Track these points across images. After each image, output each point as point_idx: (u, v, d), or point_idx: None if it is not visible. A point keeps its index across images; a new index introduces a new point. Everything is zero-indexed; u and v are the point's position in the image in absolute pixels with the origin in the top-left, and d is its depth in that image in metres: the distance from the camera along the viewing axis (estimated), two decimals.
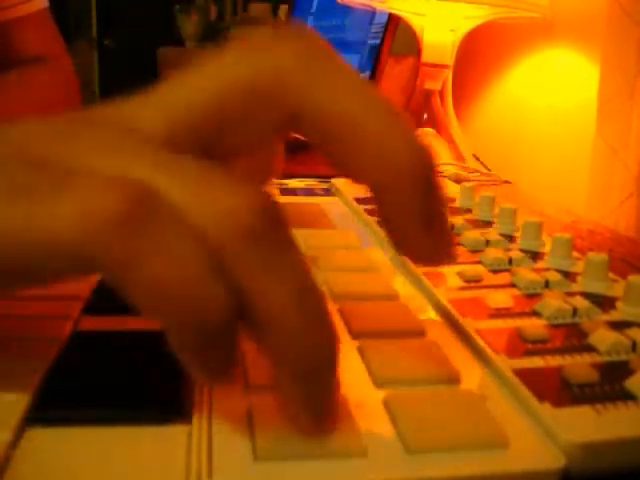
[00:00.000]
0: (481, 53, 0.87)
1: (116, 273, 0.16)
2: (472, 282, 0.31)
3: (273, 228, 0.18)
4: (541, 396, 0.21)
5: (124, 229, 0.16)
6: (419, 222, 0.20)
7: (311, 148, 0.20)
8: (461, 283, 0.31)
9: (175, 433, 0.20)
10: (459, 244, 0.37)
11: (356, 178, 0.20)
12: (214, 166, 0.18)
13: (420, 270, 0.32)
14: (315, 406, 0.19)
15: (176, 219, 0.17)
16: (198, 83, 0.19)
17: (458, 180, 0.55)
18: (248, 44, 0.20)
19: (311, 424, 0.19)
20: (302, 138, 0.20)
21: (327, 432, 0.19)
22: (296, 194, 0.52)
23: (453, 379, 0.23)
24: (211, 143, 0.20)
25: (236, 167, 0.21)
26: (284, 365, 0.18)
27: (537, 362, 0.23)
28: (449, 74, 0.75)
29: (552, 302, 0.27)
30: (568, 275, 0.32)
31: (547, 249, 0.35)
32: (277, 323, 0.18)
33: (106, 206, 0.16)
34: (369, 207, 0.44)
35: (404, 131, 0.19)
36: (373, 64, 0.82)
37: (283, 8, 1.76)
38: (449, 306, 0.28)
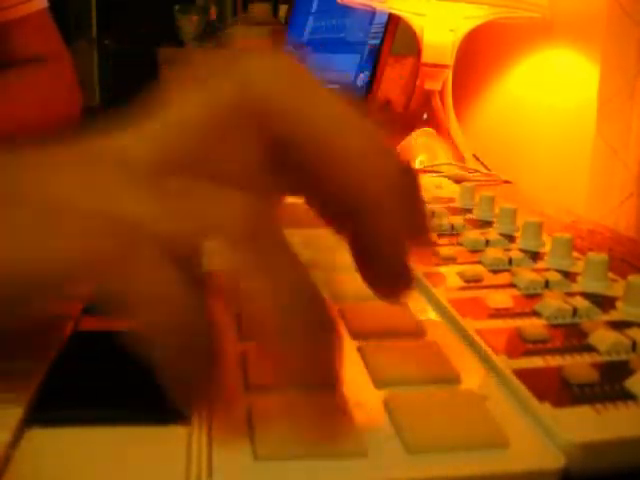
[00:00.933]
0: (481, 53, 0.87)
1: (103, 300, 0.18)
2: (472, 282, 0.31)
3: (263, 232, 0.18)
4: (541, 396, 0.21)
5: (116, 266, 0.18)
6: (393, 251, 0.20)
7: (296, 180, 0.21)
8: (461, 283, 0.31)
9: (175, 433, 0.20)
10: (459, 244, 0.37)
11: (335, 206, 0.21)
12: (200, 182, 0.19)
13: (420, 270, 0.32)
14: (321, 408, 0.19)
15: (158, 255, 0.18)
16: (184, 112, 0.20)
17: (458, 180, 0.55)
18: (230, 70, 0.20)
19: (315, 427, 0.19)
20: None
21: (330, 435, 0.19)
22: None
23: (453, 379, 0.23)
24: (202, 169, 0.20)
25: None
26: (287, 369, 0.18)
27: (537, 362, 0.23)
28: (449, 74, 0.75)
29: (552, 302, 0.27)
30: (568, 275, 0.32)
31: (547, 249, 0.35)
32: (274, 326, 0.18)
33: (102, 246, 0.18)
34: None
35: (385, 151, 0.20)
36: (373, 64, 0.82)
37: (283, 8, 1.76)
38: (449, 306, 0.28)
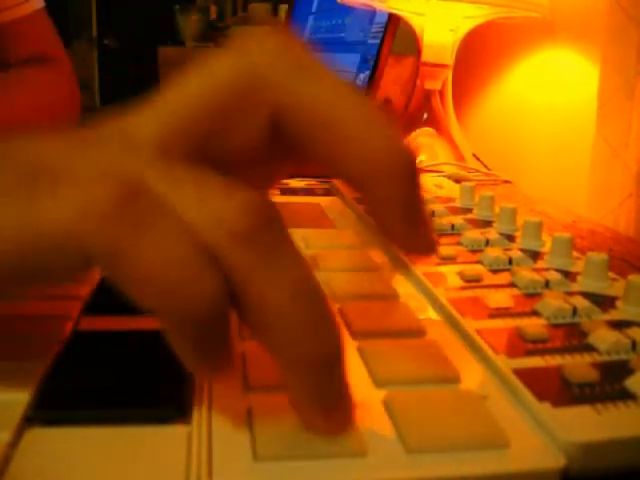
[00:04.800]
0: (481, 53, 0.87)
1: (108, 262, 0.17)
2: (472, 282, 0.31)
3: (268, 228, 0.18)
4: (541, 396, 0.21)
5: (115, 218, 0.16)
6: (400, 214, 0.20)
7: (298, 154, 0.21)
8: (461, 283, 0.31)
9: (175, 433, 0.20)
10: (459, 244, 0.37)
11: (340, 175, 0.20)
12: (206, 170, 0.18)
13: (420, 270, 0.32)
14: (324, 403, 0.19)
15: (166, 211, 0.17)
16: (186, 89, 0.20)
17: (458, 180, 0.55)
18: (228, 47, 0.20)
19: (322, 422, 0.19)
20: None
21: (338, 430, 0.19)
22: (296, 194, 0.52)
23: (453, 379, 0.23)
24: (207, 148, 0.20)
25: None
26: (289, 363, 0.18)
27: (537, 362, 0.23)
28: (449, 74, 0.75)
29: (552, 302, 0.27)
30: (568, 275, 0.32)
31: (547, 249, 0.35)
32: (276, 321, 0.18)
33: (100, 196, 0.17)
34: None
35: (385, 127, 0.20)
36: (373, 64, 0.82)
37: (283, 8, 1.76)
38: (449, 306, 0.28)
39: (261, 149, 0.21)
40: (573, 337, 0.25)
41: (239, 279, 0.17)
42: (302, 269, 0.18)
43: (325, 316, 0.18)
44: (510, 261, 0.33)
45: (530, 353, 0.24)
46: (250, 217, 0.17)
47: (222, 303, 0.17)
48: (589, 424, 0.20)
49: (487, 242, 0.37)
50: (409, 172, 0.20)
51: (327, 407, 0.19)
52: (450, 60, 0.74)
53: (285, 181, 0.55)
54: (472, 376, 0.23)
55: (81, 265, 0.17)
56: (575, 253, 0.34)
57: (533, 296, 0.29)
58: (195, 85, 0.20)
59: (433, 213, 0.43)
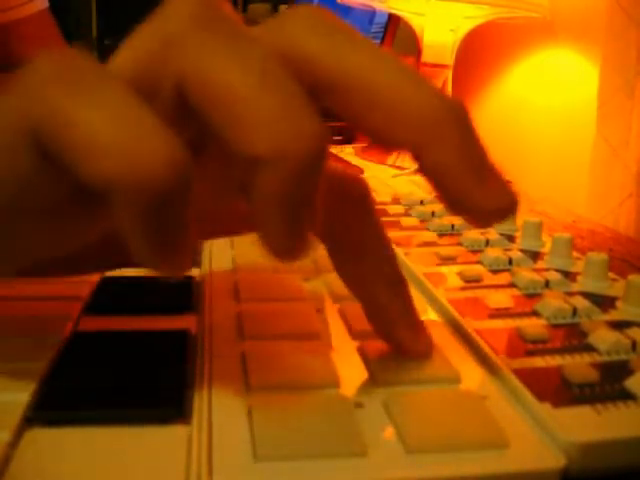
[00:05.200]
0: (481, 53, 0.87)
1: (49, 130, 0.15)
2: (472, 282, 0.31)
3: (222, 15, 0.17)
4: (541, 396, 0.21)
5: (54, 80, 0.15)
6: (466, 175, 0.18)
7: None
8: (461, 283, 0.31)
9: (175, 433, 0.20)
10: (459, 244, 0.37)
11: (393, 145, 0.18)
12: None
13: (420, 270, 0.32)
14: (297, 213, 0.16)
15: (105, 68, 0.16)
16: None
17: None
18: (266, 25, 0.19)
19: (285, 242, 0.17)
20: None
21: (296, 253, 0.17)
22: None
23: (453, 379, 0.23)
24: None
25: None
26: (264, 166, 0.15)
27: (537, 362, 0.23)
28: (449, 74, 0.75)
29: (552, 302, 0.27)
30: (568, 275, 0.32)
31: (547, 249, 0.35)
32: (247, 114, 0.15)
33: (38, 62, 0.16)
34: None
35: (420, 82, 0.17)
36: None
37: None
38: (449, 306, 0.28)
39: None
40: (573, 337, 0.25)
41: (201, 76, 0.16)
42: (266, 49, 0.16)
43: (304, 104, 0.16)
44: (510, 261, 0.33)
45: (530, 353, 0.24)
46: (199, 5, 0.16)
47: (180, 172, 0.15)
48: (589, 424, 0.20)
49: (487, 242, 0.37)
50: (458, 119, 0.18)
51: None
52: (450, 60, 0.74)
53: None
54: (472, 376, 0.23)
55: (31, 150, 0.16)
56: (575, 253, 0.35)
57: (533, 296, 0.29)
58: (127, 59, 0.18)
59: (433, 213, 0.43)
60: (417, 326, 0.24)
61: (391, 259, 0.23)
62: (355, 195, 0.22)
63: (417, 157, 0.18)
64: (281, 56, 0.17)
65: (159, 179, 0.15)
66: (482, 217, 0.19)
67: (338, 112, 0.18)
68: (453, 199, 0.18)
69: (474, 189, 0.18)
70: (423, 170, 0.18)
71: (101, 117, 0.15)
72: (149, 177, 0.15)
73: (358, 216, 0.22)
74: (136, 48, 0.17)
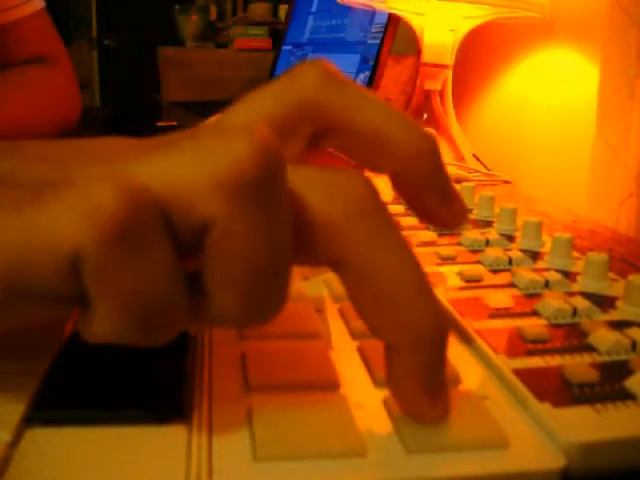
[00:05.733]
0: (481, 53, 0.87)
1: (90, 272, 0.16)
2: (472, 282, 0.31)
3: (267, 182, 0.17)
4: (541, 396, 0.21)
5: (114, 232, 0.15)
6: (440, 199, 0.22)
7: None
8: (461, 283, 0.31)
9: (175, 433, 0.20)
10: (459, 244, 0.37)
11: (379, 171, 0.22)
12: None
13: None
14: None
15: (159, 227, 0.16)
16: (252, 108, 0.22)
17: (458, 180, 0.55)
18: (286, 75, 0.22)
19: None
20: None
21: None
22: None
23: (453, 379, 0.23)
24: None
25: None
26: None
27: (537, 362, 0.23)
28: (449, 74, 0.75)
29: (552, 302, 0.27)
30: (568, 275, 0.32)
31: (547, 249, 0.35)
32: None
33: (104, 204, 0.15)
34: None
35: (408, 121, 0.22)
36: (373, 64, 0.82)
37: (283, 8, 1.76)
38: (449, 306, 0.28)
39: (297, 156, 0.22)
40: (573, 337, 0.25)
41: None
42: (284, 237, 0.18)
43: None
44: (510, 261, 0.33)
45: (530, 353, 0.24)
46: (254, 165, 0.16)
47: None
48: (589, 424, 0.20)
49: (487, 242, 0.37)
50: (433, 152, 0.22)
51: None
52: (450, 60, 0.74)
53: None
54: (472, 376, 0.23)
55: (67, 274, 0.16)
56: (575, 253, 0.35)
57: (533, 296, 0.29)
58: (258, 107, 0.21)
59: None
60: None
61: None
62: None
63: (397, 179, 0.22)
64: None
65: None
66: (444, 227, 0.25)
67: (338, 148, 0.22)
68: (425, 216, 0.23)
69: (439, 204, 0.23)
70: (400, 191, 0.23)
71: (136, 287, 0.17)
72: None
73: None
74: None
